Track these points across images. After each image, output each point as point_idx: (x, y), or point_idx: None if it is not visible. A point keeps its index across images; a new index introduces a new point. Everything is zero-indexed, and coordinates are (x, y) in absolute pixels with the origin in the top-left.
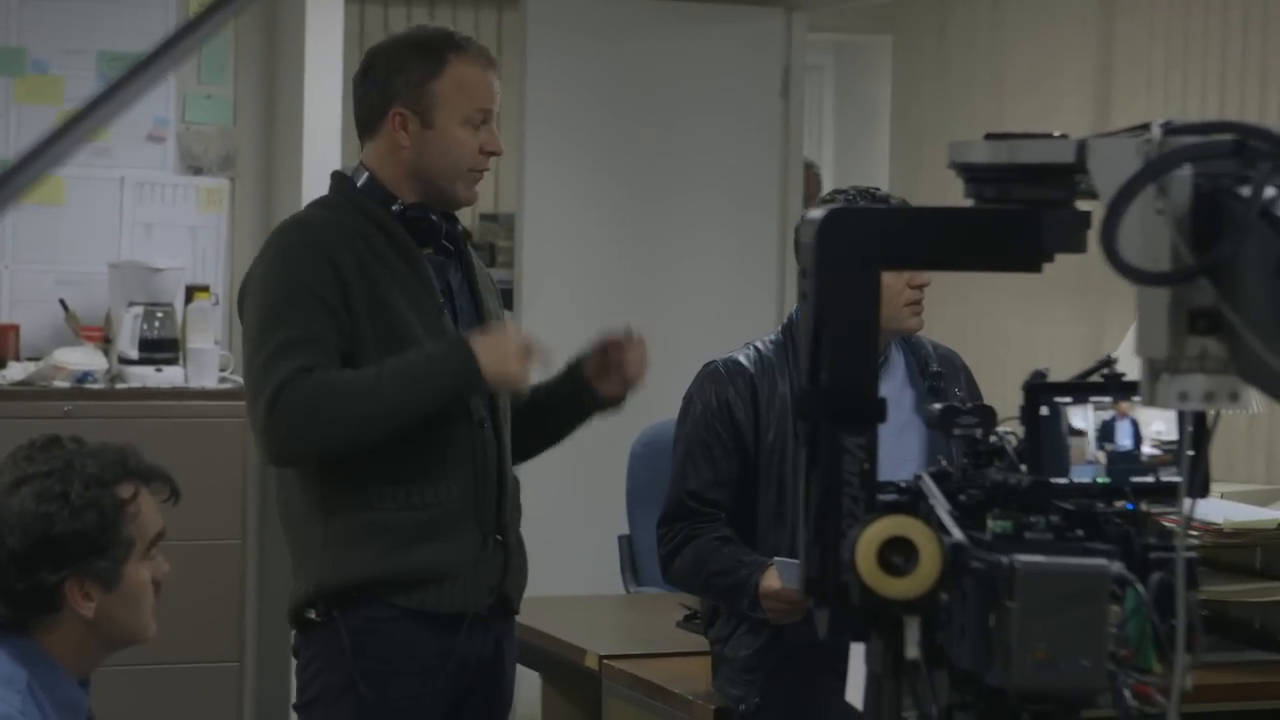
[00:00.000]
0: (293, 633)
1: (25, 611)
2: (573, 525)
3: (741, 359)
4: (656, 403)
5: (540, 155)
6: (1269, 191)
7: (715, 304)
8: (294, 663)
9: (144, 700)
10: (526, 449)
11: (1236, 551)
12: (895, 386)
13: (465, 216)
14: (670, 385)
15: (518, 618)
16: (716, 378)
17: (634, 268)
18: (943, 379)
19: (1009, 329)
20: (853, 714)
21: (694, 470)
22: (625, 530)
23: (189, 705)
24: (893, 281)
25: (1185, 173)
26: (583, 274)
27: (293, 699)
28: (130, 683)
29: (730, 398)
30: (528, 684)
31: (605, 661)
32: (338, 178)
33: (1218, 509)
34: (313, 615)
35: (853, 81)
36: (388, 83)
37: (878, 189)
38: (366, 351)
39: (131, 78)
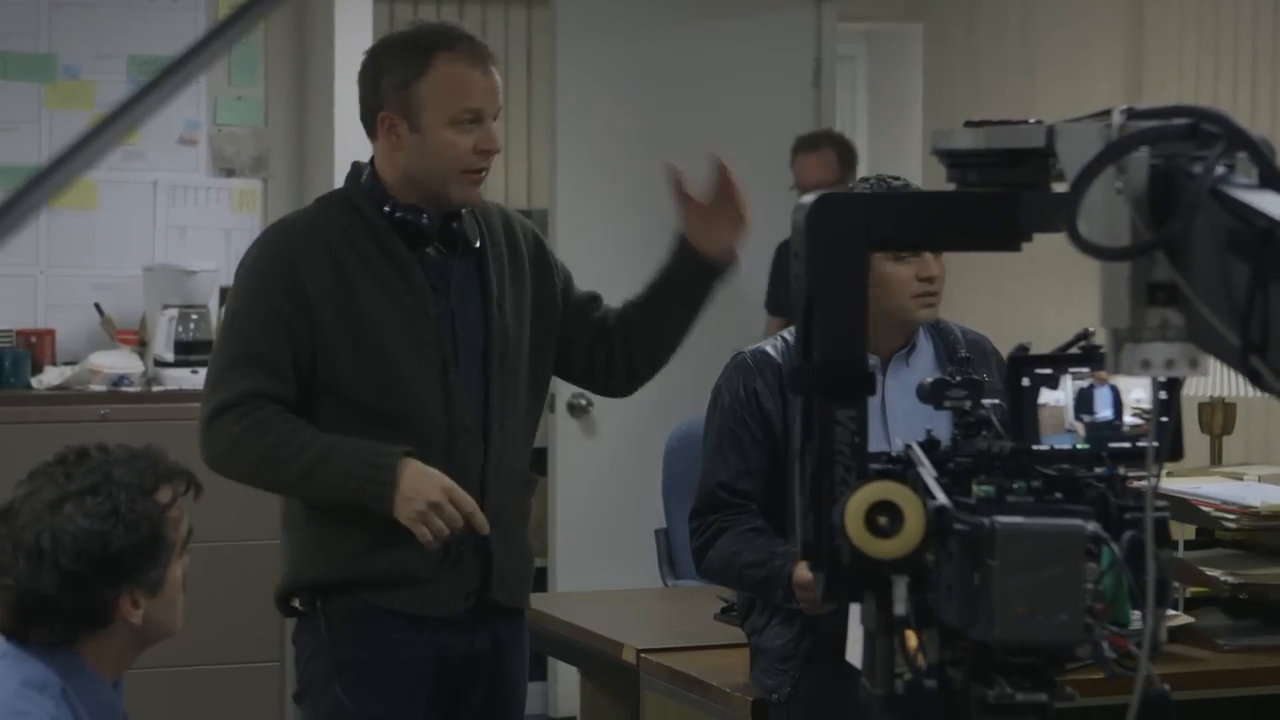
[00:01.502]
0: (290, 622)
1: (77, 629)
2: (610, 520)
3: (769, 349)
4: (691, 396)
5: (572, 151)
6: (1220, 171)
7: (750, 298)
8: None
9: (187, 701)
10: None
11: (1275, 534)
12: (923, 372)
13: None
14: (705, 379)
15: (558, 614)
16: (744, 369)
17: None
18: (971, 364)
19: (1043, 318)
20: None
21: (724, 462)
22: (662, 524)
23: (231, 705)
24: (901, 272)
25: (1142, 154)
26: (616, 269)
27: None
28: (173, 684)
29: (758, 388)
30: (566, 678)
31: (643, 655)
32: (355, 168)
33: (1255, 492)
34: (298, 604)
35: (885, 71)
36: (376, 85)
37: (898, 177)
38: (336, 356)
39: (162, 80)
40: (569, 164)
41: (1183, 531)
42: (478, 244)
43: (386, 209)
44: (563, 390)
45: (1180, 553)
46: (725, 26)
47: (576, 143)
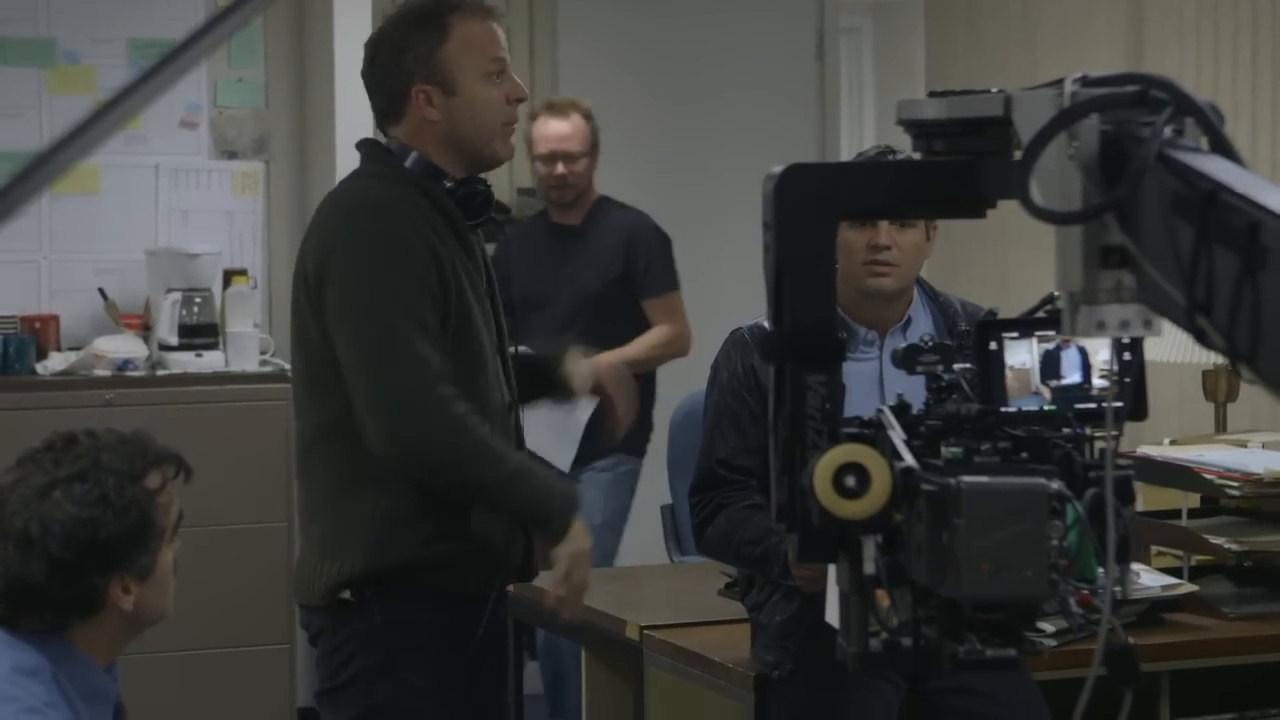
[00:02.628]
0: (306, 612)
1: (69, 616)
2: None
3: (767, 325)
4: (696, 373)
5: None
6: (1168, 135)
7: (754, 274)
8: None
9: (195, 684)
10: None
11: (1278, 501)
12: None
13: (503, 192)
14: (710, 356)
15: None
16: (742, 345)
17: (672, 237)
18: (970, 337)
19: (1050, 286)
20: (881, 682)
21: (722, 438)
22: (668, 500)
23: (241, 688)
24: (853, 239)
25: (1093, 121)
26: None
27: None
28: (181, 668)
29: (756, 364)
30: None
31: (646, 631)
32: (373, 147)
33: (1259, 459)
34: (348, 595)
35: (890, 42)
36: (399, 63)
37: (895, 150)
38: (452, 324)
39: (163, 66)
40: None
41: (1187, 500)
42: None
43: (448, 184)
44: None
45: (1184, 521)
46: (726, 2)
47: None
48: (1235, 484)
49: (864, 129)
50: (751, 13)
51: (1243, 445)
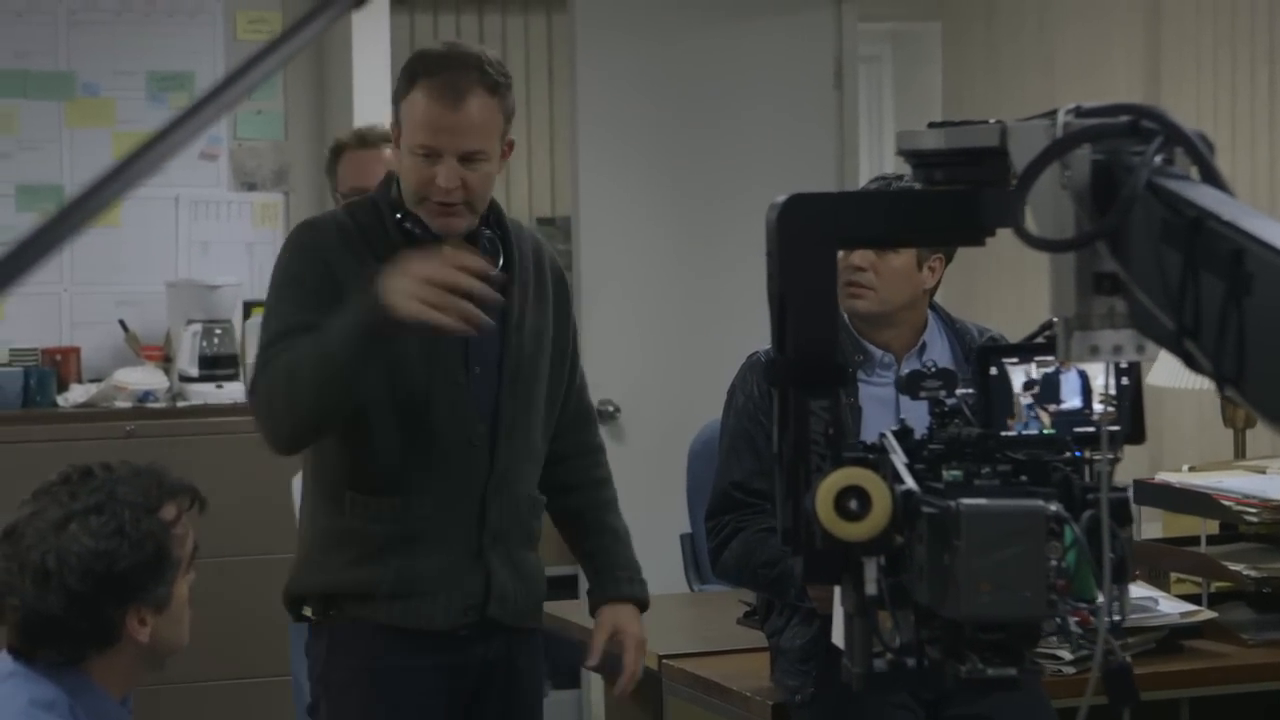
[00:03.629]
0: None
1: (84, 648)
2: (637, 525)
3: None
4: (715, 400)
5: (593, 157)
6: (1158, 164)
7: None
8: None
9: (208, 716)
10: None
11: None
12: None
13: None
14: (727, 381)
15: (584, 621)
16: (758, 368)
17: (691, 266)
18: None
19: None
20: (900, 710)
21: (738, 462)
22: (687, 529)
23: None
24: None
25: (1084, 151)
26: (641, 274)
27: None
28: (197, 699)
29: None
30: (599, 685)
31: (665, 661)
32: (388, 176)
33: (1278, 485)
34: (309, 613)
35: (909, 70)
36: (395, 96)
37: (901, 176)
38: None
39: (189, 116)
40: (591, 170)
41: (1206, 526)
42: (500, 265)
43: (400, 219)
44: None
45: (1203, 548)
46: (745, 28)
47: (598, 149)
48: (1254, 510)
49: (884, 156)
50: (770, 40)
51: (1262, 471)
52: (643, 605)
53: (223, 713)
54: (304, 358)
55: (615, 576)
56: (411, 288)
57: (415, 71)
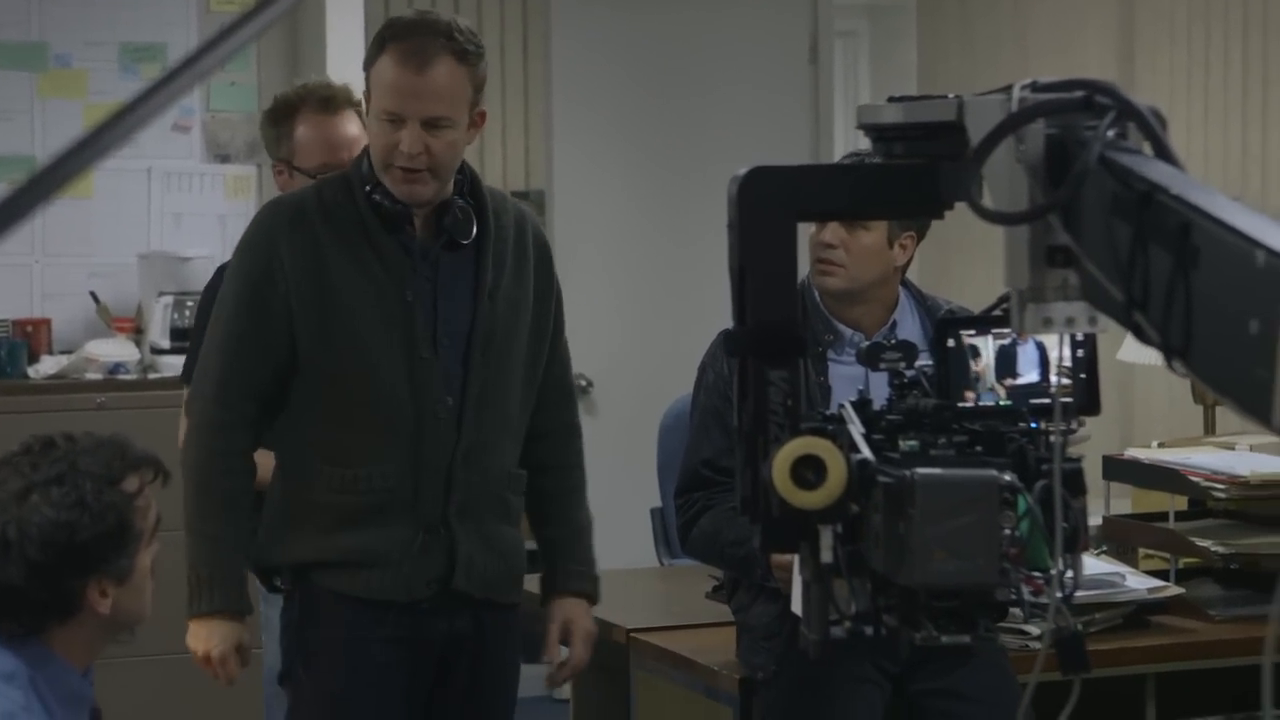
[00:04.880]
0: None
1: (45, 619)
2: (609, 499)
3: None
4: (688, 375)
5: (568, 131)
6: (1110, 139)
7: None
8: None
9: (171, 688)
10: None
11: (1266, 504)
12: None
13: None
14: (700, 358)
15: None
16: (727, 338)
17: (665, 241)
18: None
19: None
20: (864, 684)
21: (707, 439)
22: (658, 503)
23: (213, 693)
24: (810, 239)
25: (1039, 126)
26: (614, 248)
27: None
28: (158, 671)
29: None
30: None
31: (632, 635)
32: (364, 149)
33: (1245, 461)
34: (279, 583)
35: (884, 46)
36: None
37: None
38: (310, 330)
39: (160, 87)
40: (565, 144)
41: (1174, 503)
42: (471, 236)
43: (369, 190)
44: None
45: (1171, 524)
46: (721, 2)
47: (573, 123)
48: (1222, 486)
49: (859, 132)
50: (746, 15)
51: (1230, 448)
52: (594, 599)
53: (190, 685)
54: (193, 492)
55: (570, 570)
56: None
57: (384, 37)
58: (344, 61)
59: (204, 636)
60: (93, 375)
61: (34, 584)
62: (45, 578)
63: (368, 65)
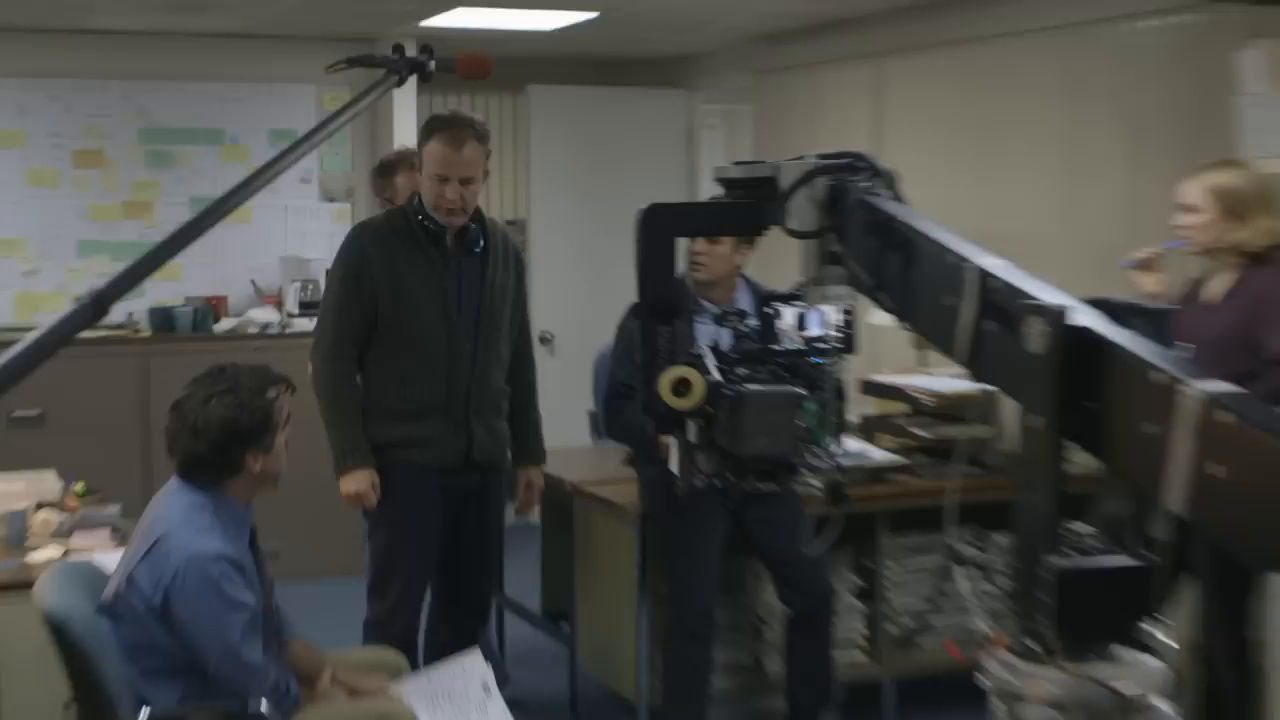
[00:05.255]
0: None
1: (220, 475)
2: (563, 407)
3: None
4: (609, 332)
5: (539, 186)
6: (865, 187)
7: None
8: None
9: (304, 525)
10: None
11: (955, 407)
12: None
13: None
14: (619, 321)
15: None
16: (634, 309)
17: (599, 248)
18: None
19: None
20: (714, 514)
21: (622, 368)
22: (592, 407)
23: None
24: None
25: (823, 179)
26: (568, 253)
27: None
28: (291, 510)
29: None
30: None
31: (576, 486)
32: (412, 195)
33: (943, 383)
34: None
35: (734, 134)
36: (418, 144)
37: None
38: (386, 304)
39: (289, 154)
40: (538, 189)
41: (900, 407)
42: (480, 247)
43: (421, 219)
44: (534, 327)
45: (898, 420)
46: (634, 109)
47: (543, 181)
48: (928, 398)
49: (716, 183)
50: (649, 116)
51: (935, 375)
52: (542, 464)
53: (315, 525)
54: (327, 404)
55: (528, 448)
56: (353, 491)
57: (432, 128)
58: (403, 140)
59: (352, 480)
60: (252, 330)
61: (214, 454)
62: (221, 450)
63: (421, 144)
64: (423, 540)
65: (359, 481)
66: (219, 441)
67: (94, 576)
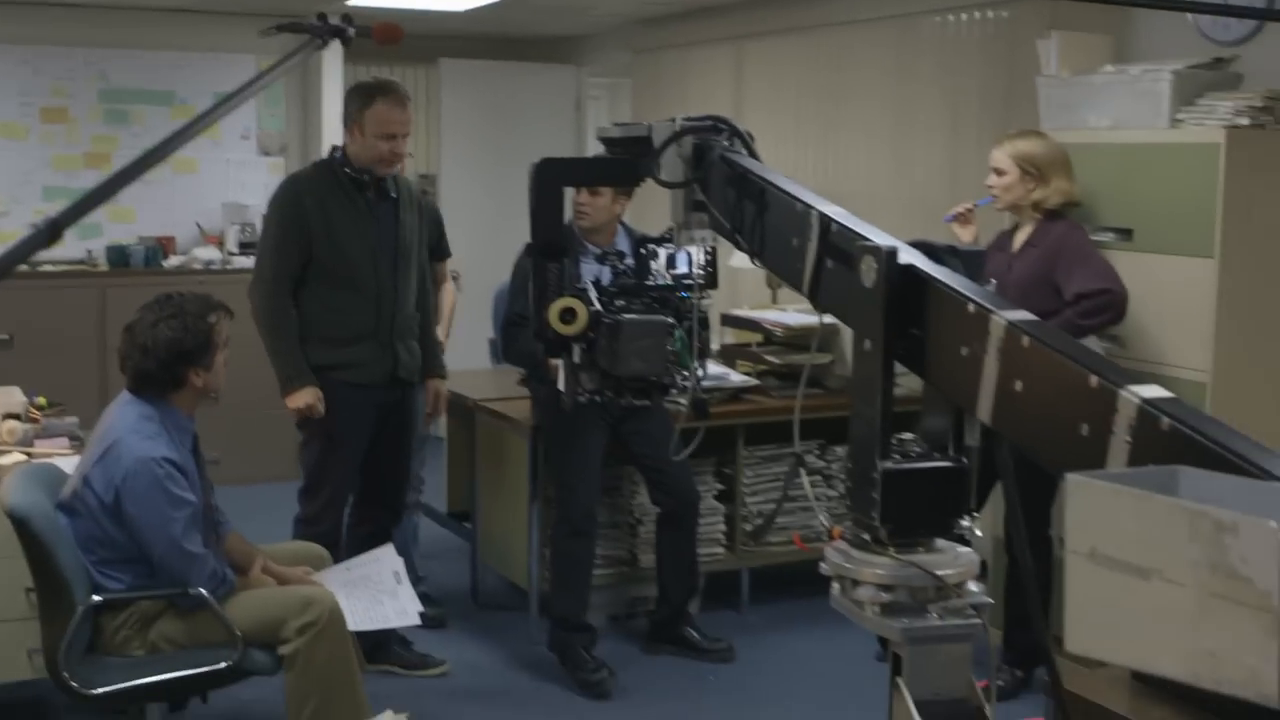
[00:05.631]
0: None
1: (166, 389)
2: (468, 335)
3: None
4: (505, 272)
5: (449, 147)
6: (725, 145)
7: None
8: None
9: (244, 434)
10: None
11: (801, 338)
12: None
13: (412, 177)
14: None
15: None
16: (527, 248)
17: (498, 203)
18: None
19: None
20: (595, 427)
21: (517, 300)
22: (492, 335)
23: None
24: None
25: (689, 138)
26: (474, 200)
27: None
28: (235, 421)
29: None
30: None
31: (478, 402)
32: (333, 149)
33: (792, 317)
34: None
35: (616, 103)
36: (350, 107)
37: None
38: (319, 244)
39: (223, 105)
40: (449, 151)
41: (755, 337)
42: (394, 195)
43: (347, 170)
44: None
45: (754, 348)
46: (532, 78)
47: (452, 138)
48: (779, 330)
49: (599, 142)
50: (541, 87)
51: (784, 309)
52: (445, 378)
53: (252, 436)
54: (268, 333)
55: (432, 364)
56: (303, 405)
57: (373, 92)
58: (333, 105)
59: (300, 397)
60: (196, 266)
61: (161, 371)
62: (167, 367)
63: (363, 108)
64: (353, 450)
65: (306, 397)
66: (166, 359)
67: (54, 478)
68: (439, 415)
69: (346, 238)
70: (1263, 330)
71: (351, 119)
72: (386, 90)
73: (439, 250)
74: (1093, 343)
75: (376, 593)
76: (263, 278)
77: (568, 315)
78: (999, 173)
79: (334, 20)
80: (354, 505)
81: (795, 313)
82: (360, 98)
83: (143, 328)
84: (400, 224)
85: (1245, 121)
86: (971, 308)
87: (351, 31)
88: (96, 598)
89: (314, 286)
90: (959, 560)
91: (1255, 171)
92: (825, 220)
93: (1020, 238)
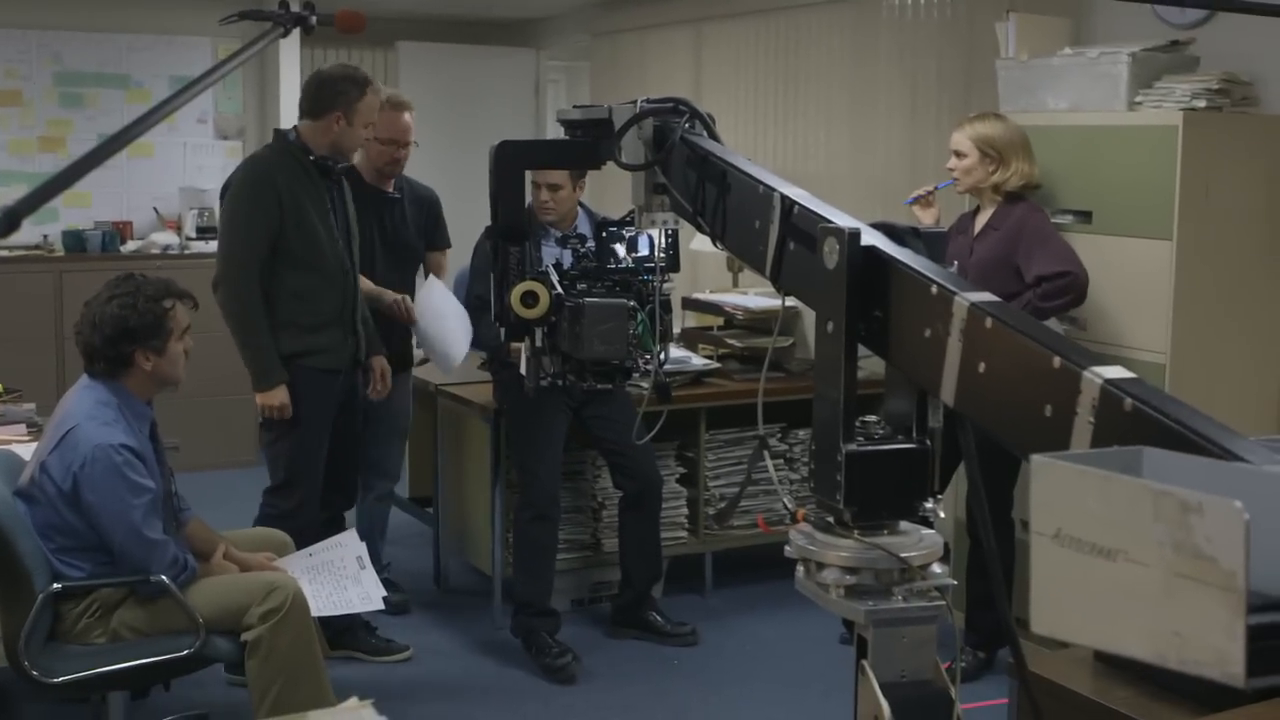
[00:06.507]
0: None
1: (115, 368)
2: None
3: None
4: (466, 255)
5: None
6: (687, 128)
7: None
8: None
9: (205, 421)
10: None
11: (762, 322)
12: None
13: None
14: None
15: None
16: (488, 232)
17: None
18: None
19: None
20: (558, 411)
21: (479, 283)
22: None
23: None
24: (537, 191)
25: (650, 120)
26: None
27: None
28: (197, 409)
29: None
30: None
31: (439, 386)
32: (278, 133)
33: (754, 301)
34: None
35: (575, 87)
36: (334, 95)
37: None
38: (289, 230)
39: (185, 92)
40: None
41: (718, 321)
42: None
43: (312, 156)
44: None
45: (716, 332)
46: (491, 61)
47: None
48: (740, 313)
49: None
50: (501, 70)
51: (745, 293)
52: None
53: (213, 424)
54: (240, 326)
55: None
56: (276, 404)
57: (362, 82)
58: (288, 90)
59: (274, 396)
60: (155, 250)
61: (105, 347)
62: (112, 343)
63: (353, 101)
64: (321, 438)
65: (281, 395)
66: (111, 335)
67: (11, 464)
68: (388, 387)
69: (313, 222)
70: (1220, 311)
71: (334, 106)
72: (396, 100)
73: (437, 240)
74: (1053, 325)
75: (340, 578)
76: (230, 265)
77: (529, 299)
78: (959, 155)
79: (296, 7)
80: None
81: (757, 296)
82: (351, 87)
83: (97, 303)
84: (350, 207)
85: (1202, 104)
86: (934, 289)
87: (314, 20)
88: (56, 585)
89: (281, 273)
90: (923, 542)
91: (1212, 154)
92: (787, 202)
93: (981, 220)
